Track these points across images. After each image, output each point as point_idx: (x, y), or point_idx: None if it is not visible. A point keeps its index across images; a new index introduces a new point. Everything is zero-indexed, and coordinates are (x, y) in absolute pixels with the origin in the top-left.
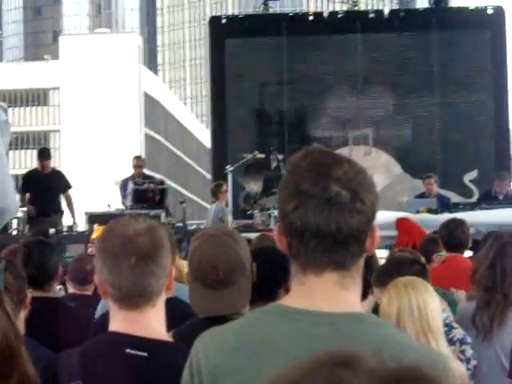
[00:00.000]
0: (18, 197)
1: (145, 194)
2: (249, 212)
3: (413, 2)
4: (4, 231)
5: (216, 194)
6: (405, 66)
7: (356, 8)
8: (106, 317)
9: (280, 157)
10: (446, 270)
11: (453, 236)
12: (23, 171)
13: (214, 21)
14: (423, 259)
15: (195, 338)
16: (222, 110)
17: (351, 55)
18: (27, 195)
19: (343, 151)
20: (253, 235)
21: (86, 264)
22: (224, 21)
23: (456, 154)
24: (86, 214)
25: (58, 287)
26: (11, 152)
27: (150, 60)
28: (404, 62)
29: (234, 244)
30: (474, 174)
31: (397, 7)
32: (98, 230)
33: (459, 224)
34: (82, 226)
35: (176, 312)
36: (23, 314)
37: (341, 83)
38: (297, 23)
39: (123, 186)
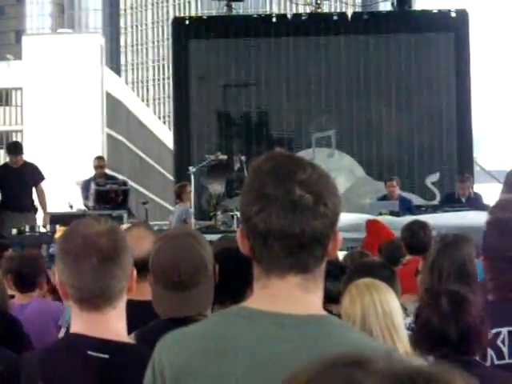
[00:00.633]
0: None
1: (107, 194)
2: (212, 213)
3: (376, 5)
4: None
5: (180, 195)
6: (368, 68)
7: (319, 10)
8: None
9: (243, 158)
10: (407, 272)
11: (415, 238)
12: None
13: (178, 22)
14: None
15: (157, 340)
16: (185, 111)
17: (315, 57)
18: None
19: (306, 153)
20: (215, 237)
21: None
22: (187, 22)
23: (418, 157)
24: (48, 214)
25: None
26: None
27: (113, 60)
28: (367, 64)
29: (197, 245)
30: (436, 177)
31: (360, 10)
32: (60, 231)
33: (421, 226)
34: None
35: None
36: None
37: (304, 85)
38: (260, 25)
39: (85, 186)
